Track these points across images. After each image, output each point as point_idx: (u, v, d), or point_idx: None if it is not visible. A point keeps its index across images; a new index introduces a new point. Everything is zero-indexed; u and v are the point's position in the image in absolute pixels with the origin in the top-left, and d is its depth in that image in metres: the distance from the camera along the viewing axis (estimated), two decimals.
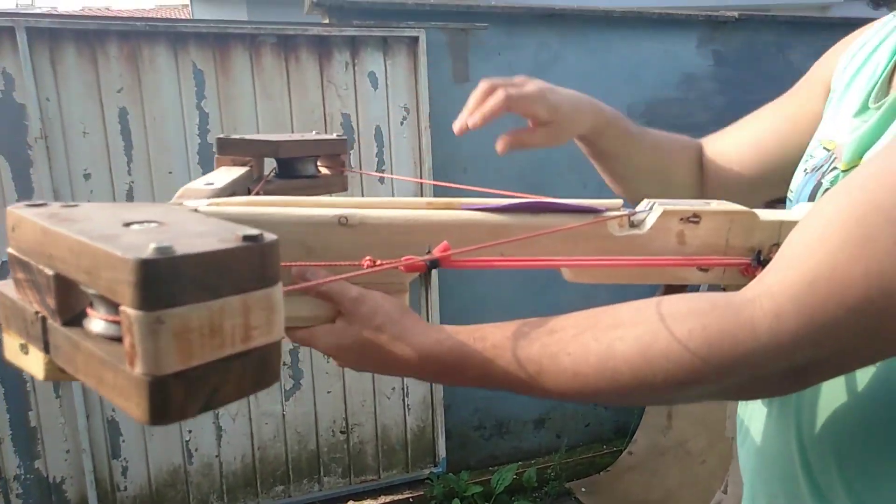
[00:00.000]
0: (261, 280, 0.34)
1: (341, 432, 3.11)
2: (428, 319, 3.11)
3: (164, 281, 0.30)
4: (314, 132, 0.90)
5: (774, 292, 0.47)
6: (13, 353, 0.43)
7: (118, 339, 0.34)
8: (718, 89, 3.65)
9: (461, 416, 3.38)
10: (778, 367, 0.48)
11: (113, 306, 0.34)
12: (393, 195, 2.99)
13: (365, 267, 0.58)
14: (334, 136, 0.88)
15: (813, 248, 0.47)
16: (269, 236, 0.35)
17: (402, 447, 3.21)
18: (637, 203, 0.67)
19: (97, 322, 0.36)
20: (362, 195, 2.95)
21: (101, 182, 2.60)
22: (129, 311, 0.31)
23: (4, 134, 2.46)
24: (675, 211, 0.62)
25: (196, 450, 2.90)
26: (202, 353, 0.33)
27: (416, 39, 2.92)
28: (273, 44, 2.75)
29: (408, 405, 3.17)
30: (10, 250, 0.39)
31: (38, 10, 13.09)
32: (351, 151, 2.93)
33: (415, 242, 0.60)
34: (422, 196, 3.03)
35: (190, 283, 0.31)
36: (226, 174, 0.71)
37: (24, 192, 2.51)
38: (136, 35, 2.57)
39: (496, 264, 0.61)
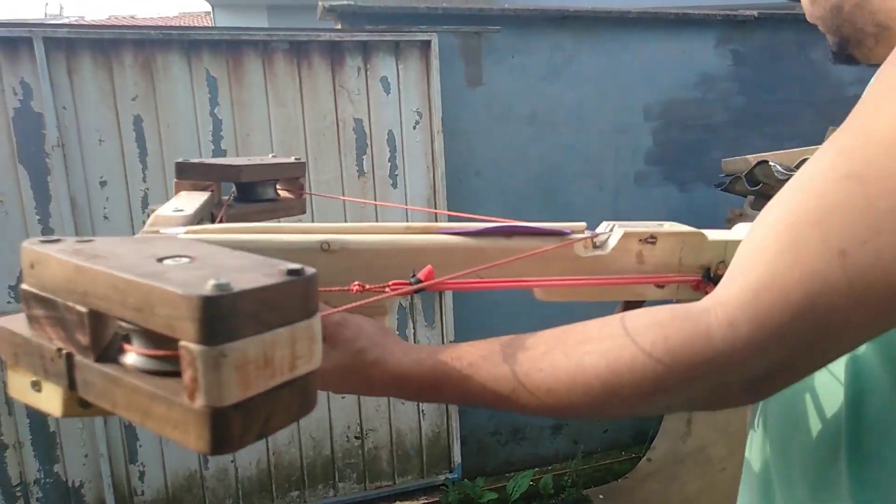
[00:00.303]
0: (304, 311, 0.36)
1: (356, 437, 3.11)
2: (442, 324, 3.10)
3: (225, 316, 0.31)
4: (271, 155, 0.90)
5: (726, 302, 0.50)
6: (20, 391, 0.42)
7: (160, 373, 0.36)
8: (738, 89, 3.59)
9: (477, 421, 3.36)
10: (737, 374, 0.50)
11: (153, 341, 0.35)
12: (406, 200, 2.99)
13: (354, 291, 0.59)
14: (292, 159, 0.88)
15: (755, 257, 0.50)
16: (310, 270, 0.37)
17: (417, 453, 3.20)
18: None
19: (137, 357, 0.37)
20: (375, 200, 2.95)
21: (116, 189, 2.63)
22: (191, 346, 0.32)
23: (23, 142, 2.51)
24: (634, 233, 0.66)
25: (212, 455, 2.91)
26: (257, 383, 0.34)
27: (428, 43, 2.91)
28: (285, 50, 2.76)
29: (422, 410, 3.16)
30: (26, 287, 0.39)
31: (65, 19, 13.36)
32: (364, 157, 2.93)
33: (395, 266, 0.61)
34: (434, 202, 3.02)
35: (247, 317, 0.32)
36: (190, 199, 0.70)
37: (42, 199, 2.55)
38: (150, 43, 2.60)
39: (475, 286, 0.63)
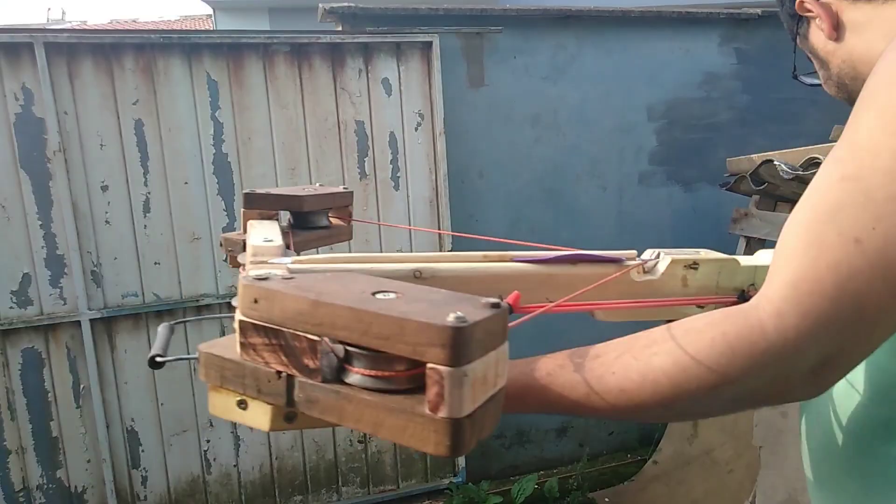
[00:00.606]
0: (502, 336, 0.43)
1: (359, 442, 3.09)
2: None
3: (467, 343, 0.38)
4: (317, 184, 0.99)
5: (771, 297, 0.56)
6: (224, 409, 0.47)
7: (383, 391, 0.42)
8: (742, 88, 3.57)
9: None
10: (794, 362, 0.55)
11: (376, 363, 0.42)
12: (408, 202, 2.98)
13: None
14: (341, 188, 0.94)
15: (787, 257, 0.57)
16: (505, 303, 0.43)
17: (421, 457, 3.18)
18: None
19: (362, 377, 0.43)
20: (377, 203, 2.93)
21: (118, 194, 2.63)
22: (439, 367, 0.38)
23: (25, 148, 2.50)
24: (680, 259, 0.75)
25: (214, 459, 2.91)
26: (479, 397, 0.40)
27: (429, 44, 2.90)
28: (286, 52, 2.75)
29: None
30: (246, 319, 0.44)
31: (67, 23, 13.40)
32: (366, 159, 2.92)
33: (478, 291, 0.67)
34: (437, 204, 3.00)
35: (477, 343, 0.39)
36: (268, 229, 0.76)
37: (44, 204, 2.54)
38: (150, 47, 2.59)
39: (552, 309, 0.69)
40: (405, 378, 0.41)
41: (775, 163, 2.69)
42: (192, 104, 2.66)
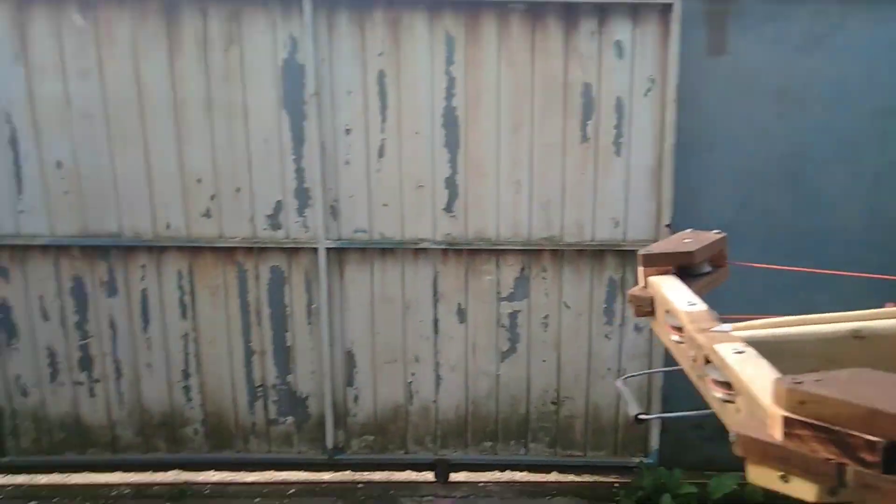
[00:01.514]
0: None
1: (552, 402, 3.12)
2: None
3: None
4: (689, 230, 1.00)
5: None
6: (766, 480, 0.58)
7: None
8: None
9: (680, 410, 3.18)
10: None
11: None
12: (628, 170, 2.91)
13: None
14: (715, 233, 0.97)
15: None
16: None
17: (613, 430, 3.12)
18: None
19: None
20: (595, 169, 2.91)
21: (357, 138, 2.91)
22: None
23: (287, 91, 2.87)
24: None
25: (417, 392, 3.12)
26: None
27: (669, 7, 2.79)
28: (522, 12, 2.82)
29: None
30: (791, 416, 0.52)
31: None
32: (589, 122, 2.90)
33: None
34: (660, 175, 2.90)
35: None
36: (677, 288, 0.82)
37: (297, 142, 2.90)
38: (400, 2, 2.81)
39: None
40: None
41: None
42: (430, 58, 2.86)
